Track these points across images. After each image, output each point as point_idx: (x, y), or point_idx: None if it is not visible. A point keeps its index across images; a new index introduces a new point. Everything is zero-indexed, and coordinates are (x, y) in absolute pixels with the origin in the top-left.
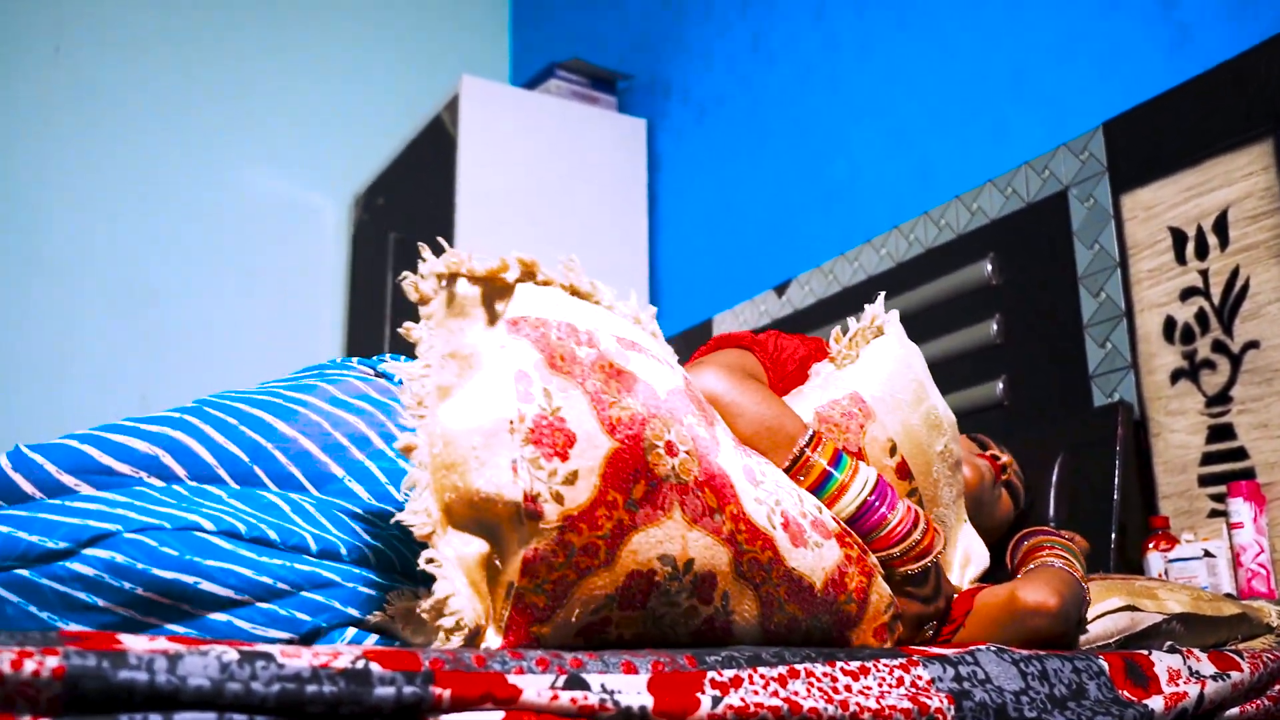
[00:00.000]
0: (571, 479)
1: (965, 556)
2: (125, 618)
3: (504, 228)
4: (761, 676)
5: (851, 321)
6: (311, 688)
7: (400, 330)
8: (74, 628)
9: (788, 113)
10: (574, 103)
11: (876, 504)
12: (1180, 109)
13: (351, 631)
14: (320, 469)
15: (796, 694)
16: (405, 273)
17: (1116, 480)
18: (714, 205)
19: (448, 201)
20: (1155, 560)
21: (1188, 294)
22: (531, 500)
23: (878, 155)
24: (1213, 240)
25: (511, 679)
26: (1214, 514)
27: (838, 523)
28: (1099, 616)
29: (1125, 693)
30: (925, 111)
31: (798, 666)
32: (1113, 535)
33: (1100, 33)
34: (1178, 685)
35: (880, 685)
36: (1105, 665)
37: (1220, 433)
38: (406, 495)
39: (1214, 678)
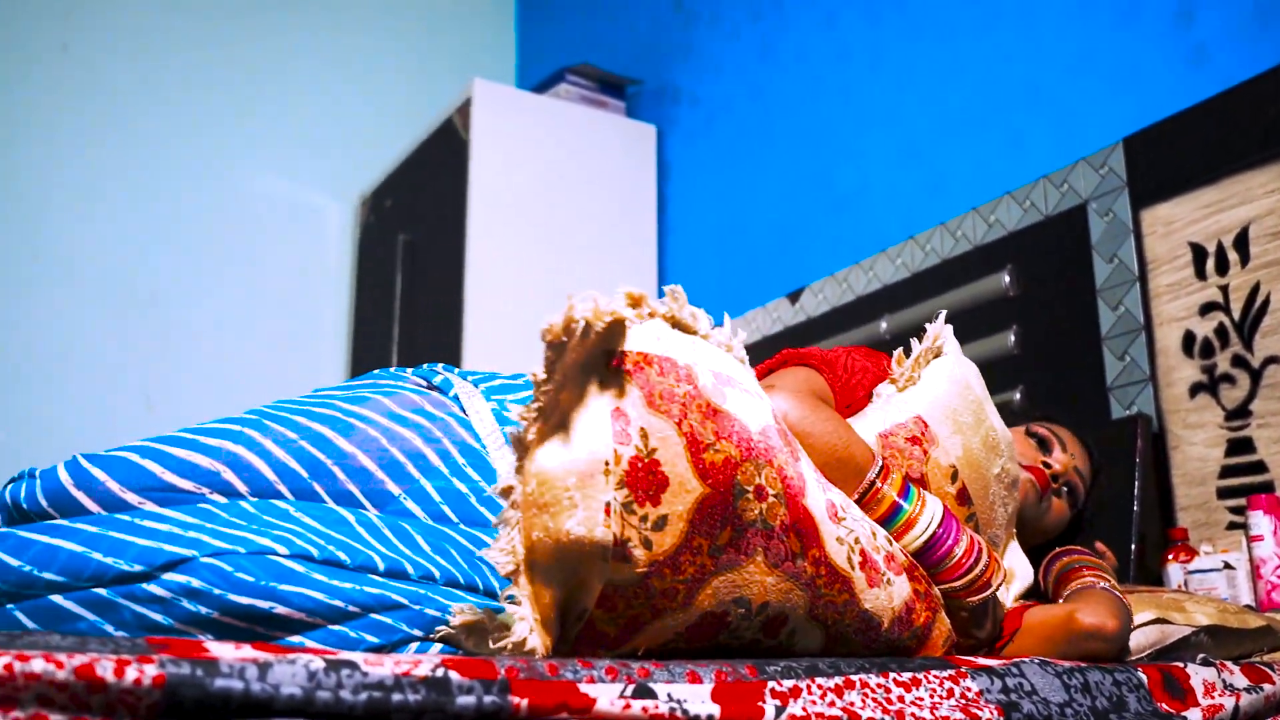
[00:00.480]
0: (661, 523)
1: (1009, 572)
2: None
3: (515, 231)
4: (819, 687)
5: (914, 343)
6: (396, 696)
7: (528, 375)
8: None
9: (798, 121)
10: (583, 107)
11: (943, 537)
12: (1200, 127)
13: (416, 643)
14: (378, 487)
15: (853, 704)
16: (547, 320)
17: (1136, 492)
18: (724, 212)
19: (459, 204)
20: (1175, 572)
21: (1207, 309)
22: (620, 544)
23: (890, 165)
24: (1233, 256)
25: (583, 688)
26: (1232, 526)
27: (906, 555)
28: (1132, 630)
29: (1164, 705)
30: (939, 123)
31: (853, 677)
32: (1132, 546)
33: (1116, 50)
34: (1213, 698)
35: (932, 696)
36: (1144, 678)
37: (1239, 446)
38: (462, 517)
39: (1247, 690)
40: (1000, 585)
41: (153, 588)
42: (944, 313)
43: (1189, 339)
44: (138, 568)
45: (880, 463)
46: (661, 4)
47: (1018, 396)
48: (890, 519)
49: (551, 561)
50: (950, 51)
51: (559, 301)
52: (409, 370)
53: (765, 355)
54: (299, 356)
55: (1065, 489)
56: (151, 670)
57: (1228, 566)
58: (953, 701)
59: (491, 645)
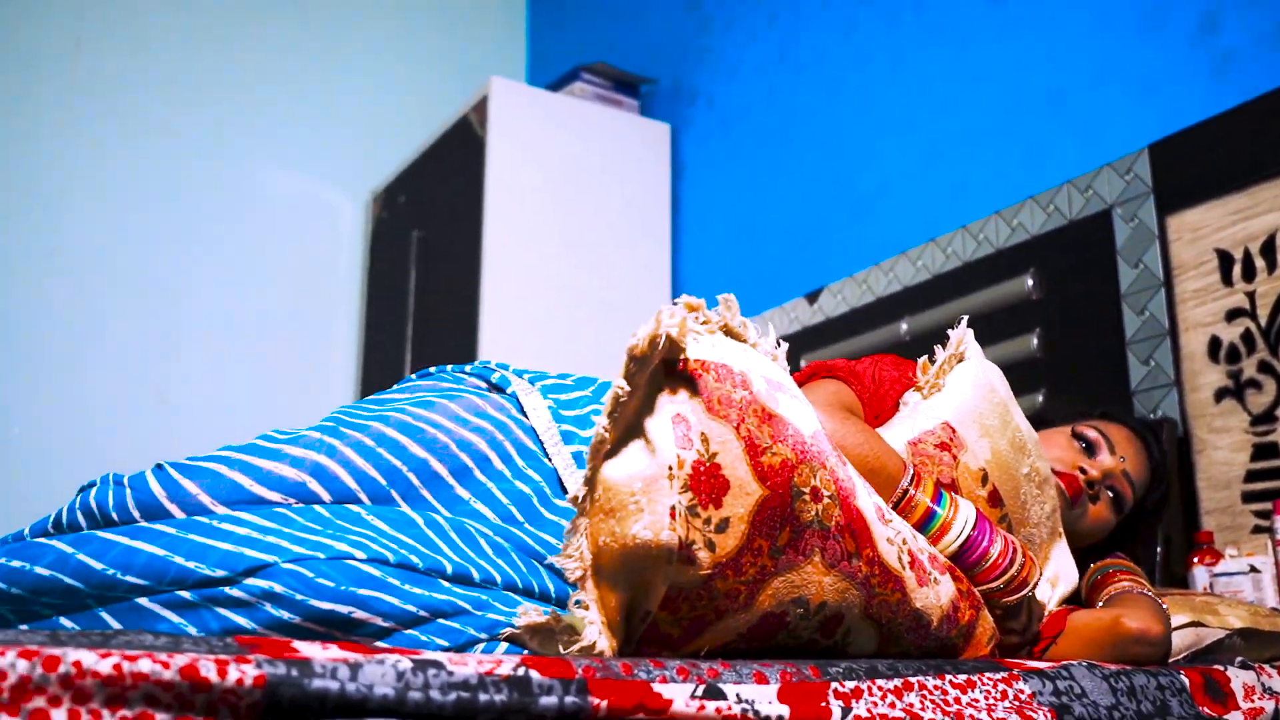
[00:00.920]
0: (723, 525)
1: (1054, 575)
2: None
3: (531, 228)
4: (879, 688)
5: (938, 349)
6: (483, 696)
7: (615, 385)
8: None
9: (816, 123)
10: (598, 105)
11: (978, 539)
12: (1227, 134)
13: (481, 644)
14: (450, 492)
15: (912, 706)
16: (635, 332)
17: None
18: (740, 212)
19: (476, 201)
20: (1200, 574)
21: (1234, 315)
22: (686, 547)
23: (911, 169)
24: (1260, 263)
25: (656, 688)
26: (1257, 530)
27: (945, 558)
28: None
29: (1205, 709)
30: (960, 128)
31: (911, 679)
32: (1158, 549)
33: (1140, 58)
34: (1253, 701)
35: (987, 698)
36: (1187, 681)
37: (1265, 451)
38: (526, 517)
39: None
40: (1037, 584)
41: (236, 592)
42: (966, 318)
43: (1215, 344)
44: (220, 573)
45: (912, 471)
46: (675, 6)
47: (1040, 399)
48: (925, 524)
49: (617, 565)
50: (971, 58)
51: (573, 298)
52: (467, 368)
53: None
54: (310, 350)
55: (1110, 493)
56: (252, 670)
57: (1253, 570)
58: (1007, 704)
59: (561, 649)
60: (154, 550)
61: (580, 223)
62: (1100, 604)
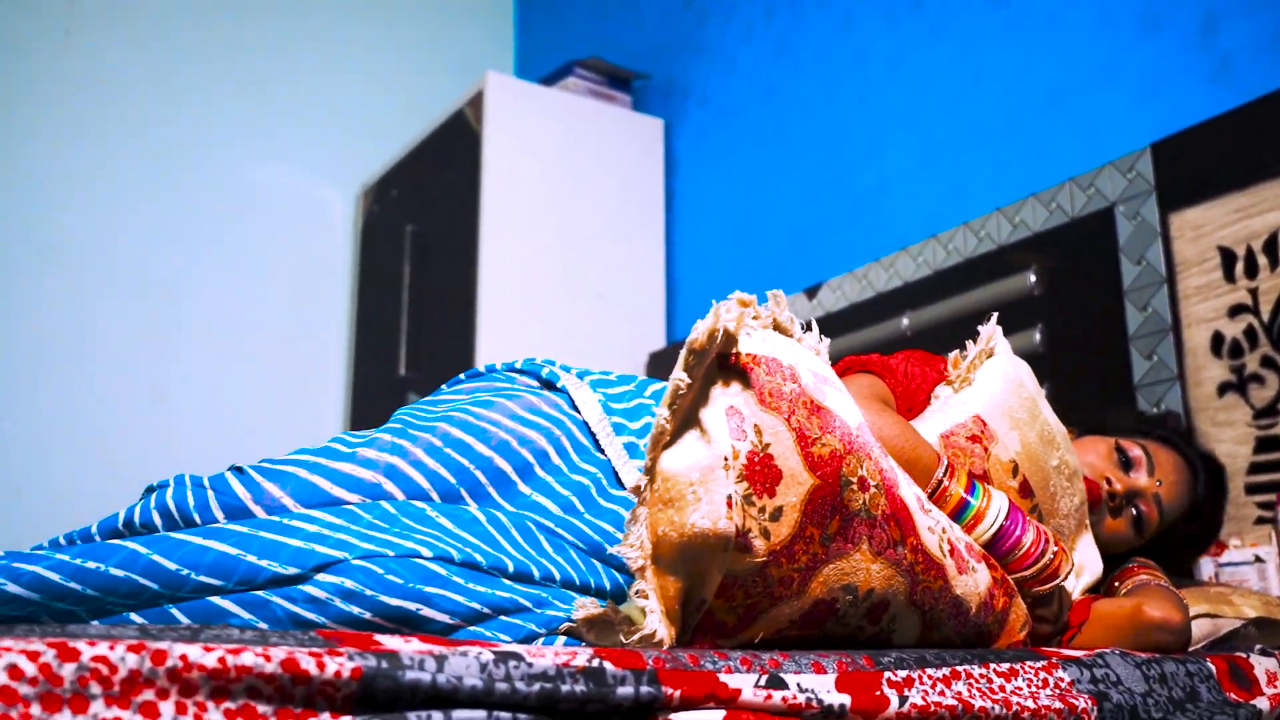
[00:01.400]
0: (777, 514)
1: (1080, 565)
2: None
3: (527, 222)
4: (929, 677)
5: (969, 345)
6: (565, 687)
7: (676, 379)
8: None
9: (814, 120)
10: (591, 100)
11: (1011, 528)
12: (1228, 134)
13: (540, 638)
14: (514, 488)
15: (961, 694)
16: (697, 325)
17: None
18: (736, 207)
19: (472, 195)
20: (1206, 565)
21: (1236, 311)
22: (742, 535)
23: (911, 166)
24: (1263, 260)
25: (723, 678)
26: (1260, 521)
27: (979, 547)
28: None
29: (1232, 695)
30: (961, 126)
31: (958, 668)
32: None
33: (1141, 59)
34: (1276, 686)
35: (1029, 686)
36: (1213, 668)
37: (1268, 444)
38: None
39: None
40: (1069, 574)
41: (309, 588)
42: (995, 315)
43: (1218, 340)
44: (292, 570)
45: (945, 462)
46: (669, 1)
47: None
48: (960, 514)
49: (676, 554)
50: (972, 57)
51: (568, 291)
52: (517, 364)
53: None
54: (302, 345)
55: (1134, 511)
56: (348, 664)
57: (1258, 560)
58: (1049, 691)
59: (623, 639)
60: (224, 549)
61: (575, 217)
62: (1121, 594)
